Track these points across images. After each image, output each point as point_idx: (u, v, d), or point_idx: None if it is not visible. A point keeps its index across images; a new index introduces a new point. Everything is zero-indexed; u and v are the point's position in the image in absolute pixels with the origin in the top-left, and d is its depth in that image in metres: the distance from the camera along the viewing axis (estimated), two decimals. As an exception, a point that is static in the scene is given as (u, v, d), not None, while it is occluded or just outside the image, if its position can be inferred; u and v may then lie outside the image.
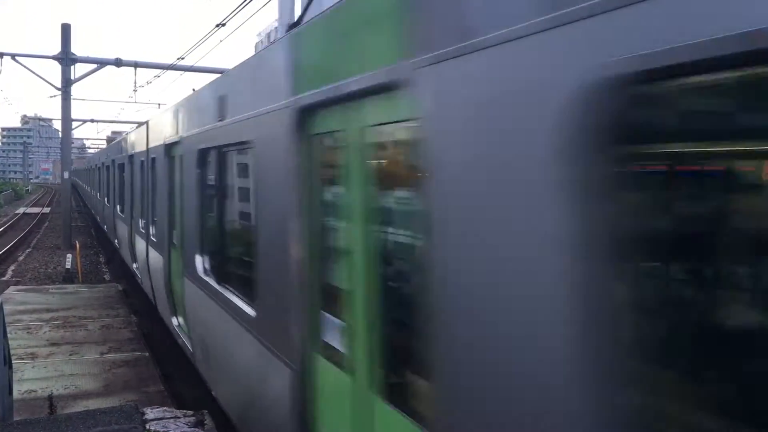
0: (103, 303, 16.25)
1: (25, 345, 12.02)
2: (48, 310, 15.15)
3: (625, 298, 1.89)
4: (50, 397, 8.56)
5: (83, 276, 21.63)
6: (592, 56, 1.92)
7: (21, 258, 26.71)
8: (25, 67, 28.14)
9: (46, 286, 19.13)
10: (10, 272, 23.23)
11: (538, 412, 2.14)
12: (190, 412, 6.11)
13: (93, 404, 8.65)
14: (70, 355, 11.56)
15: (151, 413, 6.03)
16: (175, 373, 11.01)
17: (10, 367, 6.71)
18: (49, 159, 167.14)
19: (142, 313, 14.94)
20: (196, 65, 25.97)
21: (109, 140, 44.25)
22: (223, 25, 14.33)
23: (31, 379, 10.04)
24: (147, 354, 11.70)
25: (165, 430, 5.61)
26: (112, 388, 9.90)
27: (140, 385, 10.09)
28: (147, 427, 5.72)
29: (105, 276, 22.76)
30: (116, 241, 19.93)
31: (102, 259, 26.66)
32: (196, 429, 5.71)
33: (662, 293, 1.92)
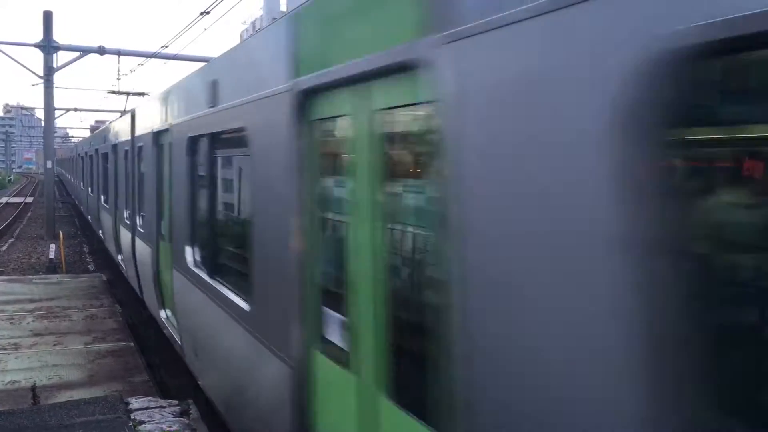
0: (88, 293, 16.14)
1: (8, 336, 11.93)
2: (31, 301, 15.03)
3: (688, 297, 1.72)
4: (33, 388, 8.51)
5: (67, 266, 21.47)
6: (650, 26, 1.69)
7: (4, 248, 26.46)
8: (6, 54, 27.77)
9: (30, 277, 18.98)
10: (-8, 263, 23.02)
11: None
12: (175, 402, 6.09)
13: (77, 395, 8.60)
14: (54, 345, 11.49)
15: (135, 403, 6.01)
16: (161, 363, 10.97)
17: (-7, 357, 6.66)
18: (32, 148, 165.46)
19: (127, 304, 14.86)
20: (180, 54, 25.75)
21: (92, 129, 43.88)
22: (208, 13, 14.21)
23: (14, 370, 9.97)
24: (132, 344, 11.65)
25: (150, 419, 5.59)
26: (97, 378, 9.85)
27: (125, 375, 10.04)
28: (131, 416, 5.70)
29: (89, 266, 22.60)
30: (101, 231, 19.54)
31: (86, 249, 26.47)
32: (181, 418, 5.69)
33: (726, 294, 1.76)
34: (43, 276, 19.11)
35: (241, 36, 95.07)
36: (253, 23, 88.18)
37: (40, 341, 11.72)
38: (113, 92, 33.17)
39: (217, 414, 6.11)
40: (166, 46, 22.24)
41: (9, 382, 9.32)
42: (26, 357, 10.74)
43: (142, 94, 32.45)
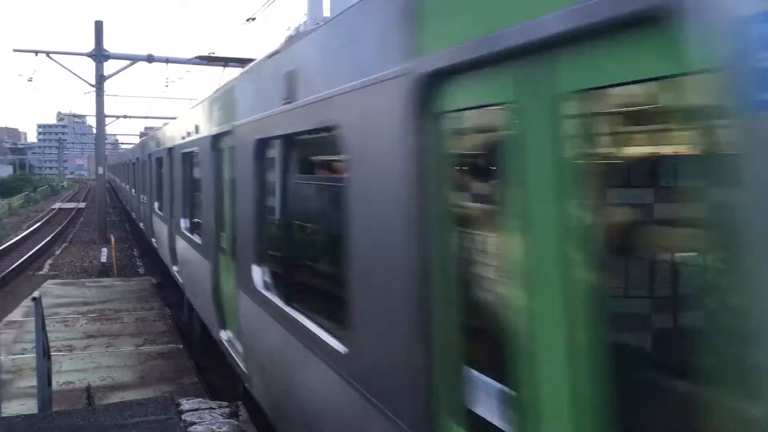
0: (138, 296, 16.49)
1: (63, 337, 12.25)
2: (84, 303, 15.42)
3: None
4: (88, 388, 8.72)
5: (118, 270, 21.96)
6: None
7: (58, 252, 27.22)
8: (59, 64, 28.59)
9: (83, 280, 19.47)
10: (47, 266, 23.70)
11: None
12: (225, 403, 6.16)
13: (129, 395, 8.78)
14: (107, 347, 11.76)
15: (186, 404, 6.10)
16: (209, 365, 11.12)
17: (49, 359, 6.84)
18: (84, 155, 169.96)
19: (176, 307, 15.12)
20: (226, 57, 26.13)
21: (141, 135, 44.83)
22: (253, 19, 14.38)
23: (68, 371, 10.23)
24: (181, 346, 11.85)
25: (200, 420, 5.67)
26: (148, 379, 10.04)
27: (175, 376, 10.22)
28: (183, 417, 5.79)
29: (139, 270, 23.08)
30: (154, 240, 18.87)
31: (136, 253, 27.04)
32: (231, 420, 5.75)
33: None
34: (95, 279, 19.60)
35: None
36: (297, 28, 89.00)
37: (93, 343, 12.01)
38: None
39: (266, 417, 6.15)
40: (213, 53, 22.61)
41: (64, 382, 9.56)
42: (80, 358, 11.01)
43: (190, 99, 32.96)
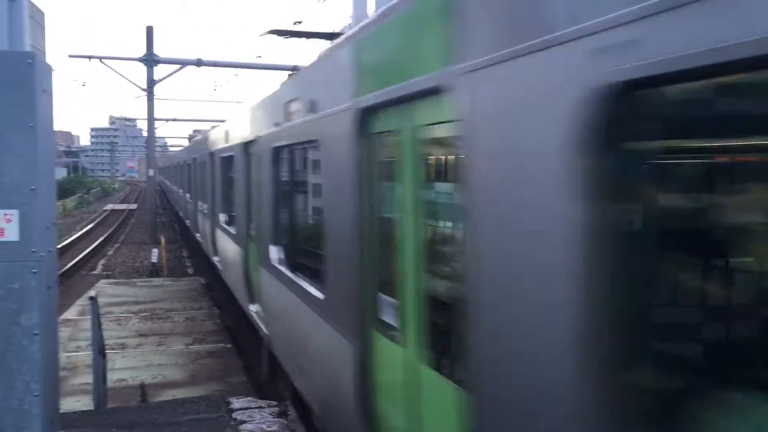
0: (188, 296, 16.81)
1: (116, 336, 12.55)
2: (136, 303, 15.77)
3: None
4: (142, 386, 8.92)
5: (168, 270, 22.40)
6: None
7: (110, 252, 27.90)
8: (112, 69, 29.33)
9: (134, 280, 19.93)
10: (100, 266, 24.32)
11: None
12: (274, 403, 6.25)
13: (180, 393, 8.95)
14: (158, 345, 12.01)
15: (237, 403, 6.20)
16: (257, 365, 11.26)
17: (105, 357, 7.02)
18: (134, 157, 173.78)
19: (224, 307, 15.36)
20: (272, 63, 26.48)
21: (190, 138, 45.63)
22: (300, 23, 14.56)
23: (121, 369, 10.48)
24: (230, 346, 12.03)
25: (250, 419, 5.76)
26: (198, 378, 10.22)
27: (224, 375, 10.38)
28: (233, 416, 5.89)
29: (188, 270, 23.50)
30: (198, 235, 20.44)
31: (185, 254, 27.54)
32: (280, 419, 5.82)
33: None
34: (146, 279, 20.03)
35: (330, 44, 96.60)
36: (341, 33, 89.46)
37: (145, 341, 12.28)
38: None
39: (314, 416, 6.23)
40: (260, 57, 22.90)
41: (117, 380, 9.79)
42: (132, 356, 11.27)
43: (237, 102, 33.44)
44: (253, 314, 10.10)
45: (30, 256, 4.52)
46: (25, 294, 4.49)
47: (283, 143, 7.36)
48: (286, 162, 7.66)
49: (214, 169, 15.66)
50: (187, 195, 25.84)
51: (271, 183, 8.10)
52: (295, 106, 6.71)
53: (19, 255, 4.50)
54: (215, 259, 15.57)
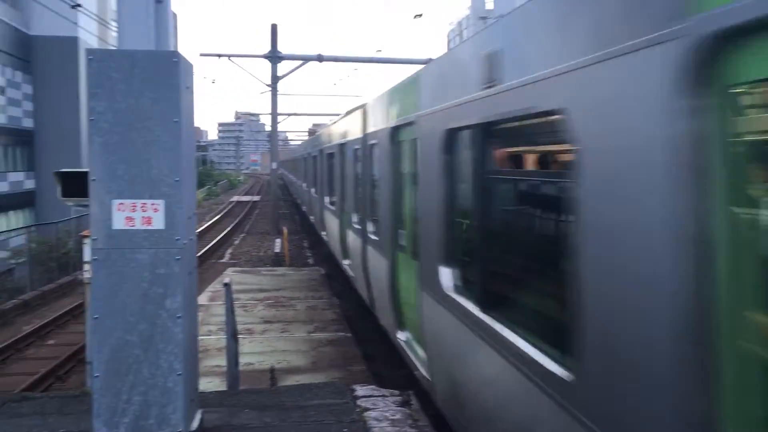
0: (308, 285, 17.31)
1: (243, 322, 13.11)
2: (261, 291, 16.42)
3: None
4: (272, 370, 9.30)
5: (290, 259, 23.18)
6: None
7: (236, 242, 29.25)
8: (239, 66, 30.61)
9: (259, 268, 20.76)
10: (227, 255, 25.54)
11: None
12: (397, 392, 6.33)
13: (303, 379, 9.26)
14: (282, 332, 12.46)
15: (360, 390, 6.34)
16: (376, 354, 11.46)
17: (237, 341, 7.38)
18: (257, 151, 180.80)
19: (343, 297, 15.70)
20: (393, 57, 26.73)
21: (310, 132, 46.93)
22: (420, 15, 14.56)
23: (249, 353, 10.93)
24: (349, 335, 12.29)
25: (374, 407, 5.87)
26: (319, 364, 10.52)
27: (344, 363, 10.62)
28: (357, 403, 6.03)
29: (308, 260, 24.21)
30: (324, 233, 19.46)
31: (306, 245, 28.39)
32: (403, 408, 5.90)
33: None
34: (270, 268, 20.81)
35: (447, 37, 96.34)
36: (460, 23, 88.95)
37: (270, 328, 12.77)
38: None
39: (436, 408, 6.26)
40: (380, 51, 23.19)
41: (245, 363, 10.23)
42: (258, 342, 11.75)
43: (357, 97, 33.94)
44: (403, 344, 8.09)
45: (174, 243, 4.81)
46: (170, 279, 4.79)
47: (468, 122, 5.14)
48: (473, 149, 5.23)
49: (345, 162, 13.93)
50: (312, 190, 24.25)
51: (442, 180, 5.92)
52: (498, 64, 4.48)
53: (165, 242, 4.80)
54: (345, 263, 14.22)
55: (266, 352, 11.06)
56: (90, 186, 4.77)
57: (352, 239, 12.71)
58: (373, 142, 10.31)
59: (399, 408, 5.89)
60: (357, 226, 11.93)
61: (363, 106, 11.97)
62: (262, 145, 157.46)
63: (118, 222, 4.76)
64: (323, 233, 19.81)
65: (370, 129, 10.58)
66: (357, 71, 29.78)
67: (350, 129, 13.41)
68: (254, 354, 10.91)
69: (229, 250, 26.67)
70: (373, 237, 10.25)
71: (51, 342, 15.15)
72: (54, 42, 41.98)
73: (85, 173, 5.86)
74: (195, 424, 5.09)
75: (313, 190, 23.94)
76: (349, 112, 15.48)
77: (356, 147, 12.30)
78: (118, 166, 4.76)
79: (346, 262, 14.20)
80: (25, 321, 16.73)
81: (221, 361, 9.76)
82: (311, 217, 25.38)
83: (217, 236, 29.67)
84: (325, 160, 19.23)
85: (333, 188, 16.88)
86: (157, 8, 5.16)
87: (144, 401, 4.77)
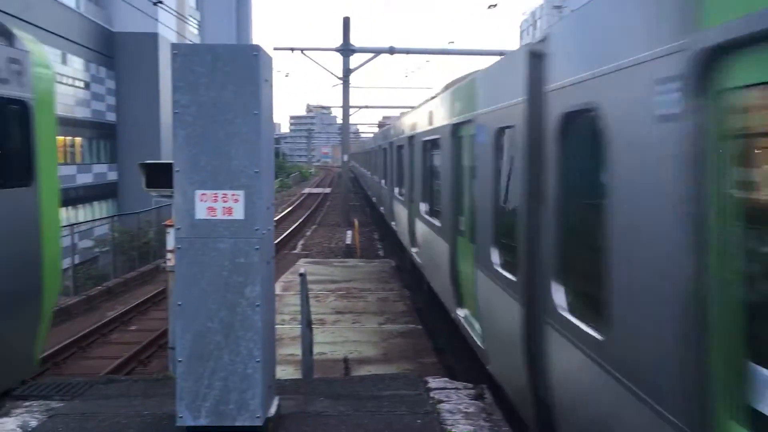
0: (379, 277, 17.40)
1: (315, 312, 13.25)
2: (332, 282, 16.62)
3: None
4: (346, 360, 9.41)
5: (361, 251, 23.36)
6: None
7: (308, 233, 29.67)
8: (311, 59, 30.97)
9: (330, 260, 21.00)
10: (300, 246, 25.94)
11: None
12: (470, 385, 6.31)
13: (374, 369, 9.33)
14: (353, 323, 12.57)
15: (433, 382, 6.34)
16: (446, 347, 11.44)
17: (311, 330, 7.49)
18: (328, 144, 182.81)
19: (414, 289, 15.72)
20: (465, 49, 26.53)
21: (380, 125, 47.15)
22: (495, 5, 14.39)
23: (321, 343, 11.08)
24: (420, 327, 12.31)
25: (448, 399, 5.87)
26: (390, 356, 10.57)
27: (415, 355, 10.64)
28: (430, 395, 6.03)
29: (379, 252, 24.34)
30: (394, 223, 19.68)
31: (376, 237, 28.56)
32: (477, 402, 5.87)
33: None
34: (341, 259, 21.03)
35: (520, 27, 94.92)
36: (533, 13, 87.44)
37: (342, 319, 12.91)
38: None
39: (508, 402, 6.21)
40: (453, 42, 23.03)
41: (317, 353, 10.38)
42: (330, 332, 11.90)
43: (428, 89, 33.88)
44: (461, 319, 8.71)
45: (253, 233, 4.93)
46: (249, 268, 4.90)
47: (515, 122, 5.54)
48: (520, 146, 5.53)
49: (413, 155, 14.07)
50: (383, 182, 24.41)
51: (496, 171, 6.44)
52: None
53: (244, 232, 4.92)
54: (413, 250, 14.42)
55: (338, 342, 11.19)
56: (174, 177, 4.93)
57: (419, 227, 13.13)
58: (436, 137, 10.82)
59: (472, 401, 5.87)
60: (424, 215, 12.47)
61: (426, 105, 12.51)
62: (332, 137, 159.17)
63: (201, 212, 4.90)
64: (392, 223, 20.10)
65: (434, 125, 11.09)
66: (429, 63, 29.61)
67: (417, 124, 13.74)
68: (326, 344, 11.05)
69: (301, 241, 27.08)
70: (436, 224, 10.87)
71: (133, 327, 15.74)
72: (135, 38, 43.53)
73: (168, 165, 6.05)
74: (272, 410, 5.21)
75: (383, 181, 24.28)
76: (414, 108, 15.68)
77: (423, 140, 12.69)
78: (200, 158, 4.90)
79: (414, 250, 14.44)
80: (108, 307, 17.44)
81: (294, 349, 9.94)
82: (381, 208, 25.70)
83: (289, 227, 30.19)
84: (395, 152, 19.48)
85: (402, 180, 17.13)
86: (238, 4, 5.27)
87: (224, 386, 4.91)
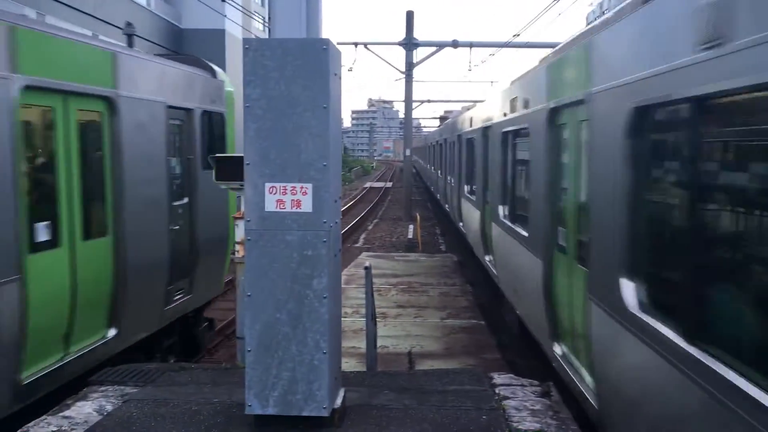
0: (441, 272, 17.34)
1: (377, 305, 13.27)
2: (394, 276, 16.64)
3: None
4: (410, 353, 9.43)
5: (422, 246, 23.32)
6: None
7: (370, 227, 29.79)
8: (375, 54, 31.04)
9: (392, 254, 21.04)
10: (361, 240, 26.07)
11: None
12: (536, 382, 6.23)
13: (437, 364, 9.30)
14: (415, 317, 12.57)
15: (498, 378, 6.29)
16: (509, 344, 11.33)
17: (375, 323, 7.53)
18: (390, 138, 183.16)
19: (477, 284, 15.61)
20: (531, 41, 26.15)
21: (441, 119, 46.90)
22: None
23: (383, 336, 11.10)
24: (483, 323, 12.21)
25: (513, 396, 5.81)
26: (453, 351, 10.53)
27: (477, 351, 10.56)
28: (496, 391, 5.98)
29: (441, 247, 24.25)
30: (461, 224, 18.66)
31: (438, 231, 28.46)
32: (543, 399, 5.79)
33: None
34: (402, 254, 21.03)
35: (586, 19, 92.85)
36: (600, 4, 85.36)
37: (403, 313, 12.91)
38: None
39: (575, 400, 6.10)
40: (518, 35, 22.74)
41: (380, 346, 10.41)
42: (392, 326, 11.92)
43: (491, 83, 33.50)
44: (559, 359, 6.95)
45: (321, 226, 4.97)
46: (317, 260, 4.95)
47: (669, 96, 4.05)
48: (681, 131, 4.12)
49: (489, 149, 12.92)
50: (449, 178, 23.19)
51: (628, 171, 4.85)
52: (733, 11, 3.28)
53: (312, 225, 4.97)
54: (487, 258, 13.70)
55: (401, 336, 11.20)
56: (245, 170, 5.02)
57: (496, 232, 11.64)
58: (523, 126, 9.13)
59: (539, 399, 5.79)
60: (503, 220, 10.90)
61: (508, 88, 10.86)
62: (394, 132, 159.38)
63: (270, 204, 4.98)
64: (460, 224, 19.20)
65: (521, 111, 9.31)
66: (493, 56, 29.29)
67: (494, 113, 12.06)
68: (389, 337, 11.08)
69: (363, 235, 27.23)
70: (522, 233, 9.19)
71: (200, 317, 16.13)
72: (203, 34, 44.51)
73: (238, 158, 6.16)
74: (338, 401, 5.26)
75: (450, 178, 23.05)
76: (482, 101, 14.92)
77: (502, 131, 10.95)
78: (270, 151, 4.98)
79: (488, 258, 13.45)
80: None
81: (357, 342, 10.01)
82: (446, 206, 24.88)
83: (351, 221, 30.38)
84: (464, 146, 18.23)
85: (474, 177, 15.96)
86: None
87: (292, 377, 4.98)
